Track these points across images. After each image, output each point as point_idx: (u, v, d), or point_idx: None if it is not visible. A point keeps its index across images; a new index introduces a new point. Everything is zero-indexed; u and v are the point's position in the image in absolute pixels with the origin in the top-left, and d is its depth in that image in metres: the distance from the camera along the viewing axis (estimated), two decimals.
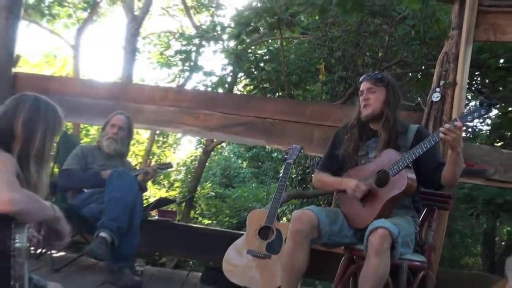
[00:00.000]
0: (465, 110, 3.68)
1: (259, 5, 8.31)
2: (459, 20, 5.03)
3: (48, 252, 5.08)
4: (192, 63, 11.27)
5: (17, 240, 2.20)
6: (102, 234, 4.47)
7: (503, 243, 8.16)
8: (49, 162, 2.53)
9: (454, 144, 3.48)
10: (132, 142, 5.72)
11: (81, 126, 12.72)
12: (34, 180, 2.38)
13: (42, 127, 2.44)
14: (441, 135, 3.47)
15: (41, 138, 2.43)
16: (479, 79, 6.87)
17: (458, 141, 3.46)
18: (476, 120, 5.00)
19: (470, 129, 6.98)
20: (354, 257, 4.02)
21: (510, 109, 6.18)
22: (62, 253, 5.44)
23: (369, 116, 3.93)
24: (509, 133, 6.77)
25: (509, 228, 8.16)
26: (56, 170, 5.48)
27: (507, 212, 6.38)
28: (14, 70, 5.90)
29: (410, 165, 3.68)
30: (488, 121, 6.87)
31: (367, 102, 3.93)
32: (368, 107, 3.92)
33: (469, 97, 6.99)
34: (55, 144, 2.57)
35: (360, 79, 4.07)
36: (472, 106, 4.02)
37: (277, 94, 8.60)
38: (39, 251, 5.04)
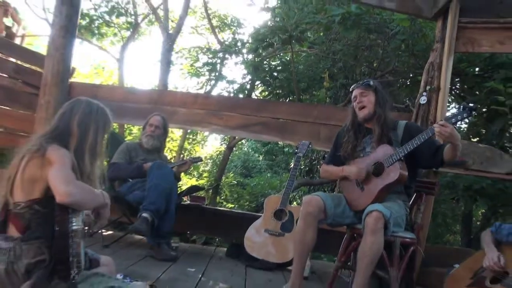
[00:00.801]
0: (450, 113, 3.67)
1: (273, 24, 8.32)
2: (442, 35, 5.04)
3: (99, 231, 5.12)
4: (217, 73, 11.30)
5: (73, 224, 2.23)
6: (144, 214, 4.52)
7: (478, 223, 8.11)
8: (102, 156, 2.55)
9: (450, 139, 3.45)
10: (167, 139, 5.74)
11: (125, 126, 12.81)
12: (88, 171, 2.41)
13: (94, 126, 2.47)
14: (435, 131, 3.43)
15: (94, 135, 2.46)
16: (458, 84, 6.83)
17: (452, 135, 3.42)
18: (459, 122, 4.97)
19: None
20: (355, 235, 4.02)
21: (484, 110, 6.14)
22: (110, 232, 5.47)
23: (366, 116, 3.94)
24: (483, 130, 6.72)
25: (483, 210, 8.11)
26: (105, 163, 5.51)
27: (483, 196, 6.35)
28: (70, 80, 5.93)
29: (402, 158, 3.69)
30: (466, 120, 6.84)
31: (361, 104, 3.95)
32: (364, 109, 3.94)
33: (450, 100, 6.94)
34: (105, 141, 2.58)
35: (351, 88, 4.10)
36: (456, 110, 4.02)
37: (288, 98, 8.60)
38: (92, 230, 5.07)
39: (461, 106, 3.58)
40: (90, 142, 2.45)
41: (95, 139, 2.48)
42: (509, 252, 3.36)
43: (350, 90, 4.08)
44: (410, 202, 4.13)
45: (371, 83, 3.98)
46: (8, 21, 10.33)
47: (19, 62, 6.51)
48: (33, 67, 6.15)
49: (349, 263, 4.30)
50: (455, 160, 3.79)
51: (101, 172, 2.57)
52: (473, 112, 3.55)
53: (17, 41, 11.12)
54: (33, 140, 2.43)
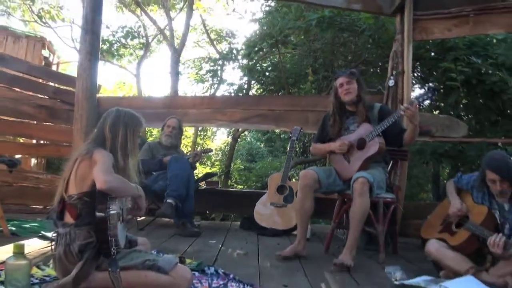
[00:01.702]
0: (418, 94, 3.76)
1: (261, 32, 8.32)
2: (401, 27, 5.06)
3: (134, 218, 5.15)
4: (218, 78, 11.30)
5: (111, 209, 2.27)
6: (168, 200, 4.56)
7: (445, 181, 8.12)
8: (134, 152, 2.57)
9: (412, 119, 3.59)
10: (182, 137, 5.76)
11: (146, 129, 12.82)
12: (121, 166, 2.45)
13: (122, 128, 2.50)
14: (401, 112, 3.59)
15: (123, 135, 2.49)
16: (419, 68, 6.83)
17: (415, 116, 3.57)
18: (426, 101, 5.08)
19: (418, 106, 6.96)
20: (345, 199, 4.05)
21: (442, 87, 6.15)
22: (143, 218, 5.49)
23: (353, 100, 3.94)
24: (442, 104, 6.74)
25: (448, 170, 8.14)
26: None
27: (446, 158, 6.37)
28: (97, 95, 5.95)
29: (380, 134, 3.77)
30: (431, 98, 6.87)
31: (348, 90, 3.93)
32: (350, 94, 3.93)
33: (414, 82, 6.94)
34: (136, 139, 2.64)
35: (336, 75, 4.07)
36: (423, 91, 4.10)
37: (280, 92, 8.59)
38: (128, 217, 5.10)
39: (427, 88, 3.66)
40: (120, 142, 2.48)
41: (125, 138, 2.50)
42: (468, 198, 3.39)
43: (335, 77, 4.06)
44: (388, 168, 4.17)
45: (354, 73, 3.98)
46: (45, 52, 10.42)
47: (56, 85, 6.57)
48: (68, 88, 6.18)
49: (342, 224, 4.34)
50: (414, 141, 3.93)
51: (135, 167, 2.61)
52: (436, 92, 3.62)
53: (54, 68, 11.19)
54: (83, 146, 2.51)
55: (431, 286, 2.73)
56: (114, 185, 2.29)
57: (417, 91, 7.18)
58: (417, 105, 3.57)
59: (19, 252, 2.17)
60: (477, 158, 5.81)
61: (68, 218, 2.41)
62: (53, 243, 2.46)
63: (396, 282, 2.91)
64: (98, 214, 2.28)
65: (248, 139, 16.77)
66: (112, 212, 2.28)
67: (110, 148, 2.45)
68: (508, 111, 5.94)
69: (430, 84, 6.12)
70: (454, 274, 3.10)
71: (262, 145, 15.51)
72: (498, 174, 3.06)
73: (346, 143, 3.87)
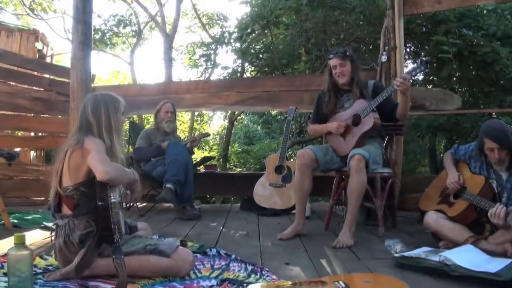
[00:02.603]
0: (410, 68, 3.76)
1: (252, 13, 8.26)
2: (391, 2, 5.05)
3: (135, 204, 5.16)
4: (212, 62, 11.24)
5: (112, 197, 2.28)
6: (168, 185, 4.56)
7: (441, 155, 8.14)
8: (119, 131, 2.58)
9: (405, 91, 3.59)
10: (178, 122, 5.75)
11: (143, 116, 12.82)
12: (108, 145, 2.45)
13: (103, 109, 2.51)
14: (395, 86, 3.57)
15: (106, 116, 2.50)
16: (411, 42, 6.81)
17: (407, 89, 3.57)
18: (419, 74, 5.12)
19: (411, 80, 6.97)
20: (343, 176, 4.06)
21: (434, 60, 6.14)
22: (143, 204, 5.50)
23: (346, 82, 3.93)
24: (435, 78, 6.74)
25: (444, 143, 8.16)
26: (130, 149, 5.53)
27: (441, 131, 6.39)
28: (92, 85, 5.92)
29: (374, 109, 3.78)
30: (423, 72, 6.85)
31: (341, 73, 3.90)
32: (343, 77, 3.91)
33: (406, 57, 6.92)
34: (124, 119, 2.66)
35: (330, 55, 4.01)
36: (414, 64, 4.11)
37: (274, 74, 8.56)
38: (128, 205, 5.12)
39: (419, 61, 3.66)
40: (105, 123, 2.49)
41: (108, 118, 2.51)
42: (465, 169, 3.41)
43: (329, 57, 4.01)
44: (384, 143, 4.17)
45: (347, 54, 3.92)
46: (39, 45, 10.37)
47: (51, 77, 6.55)
48: (62, 79, 6.15)
49: (341, 200, 4.36)
50: (406, 115, 3.93)
51: (121, 143, 2.63)
52: (428, 64, 3.62)
53: (48, 60, 11.14)
54: (71, 137, 2.51)
55: (431, 256, 2.73)
56: (114, 175, 2.30)
57: (410, 66, 7.16)
58: (410, 79, 3.58)
59: (20, 243, 2.17)
60: (472, 129, 5.83)
61: (66, 210, 2.43)
62: (53, 233, 2.47)
63: (396, 255, 2.92)
64: (99, 203, 2.29)
65: (245, 122, 16.78)
66: (113, 200, 2.30)
67: (97, 133, 2.46)
68: (501, 81, 5.94)
69: (422, 58, 6.09)
70: (454, 244, 3.12)
71: (259, 128, 15.53)
72: (497, 142, 3.07)
73: (343, 124, 3.87)
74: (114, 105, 2.57)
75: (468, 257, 2.66)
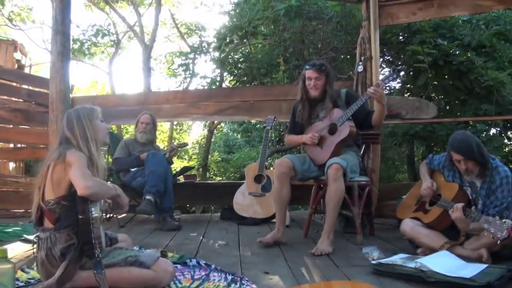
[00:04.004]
0: (383, 76, 3.84)
1: (230, 24, 8.30)
2: (367, 14, 5.11)
3: (114, 216, 5.14)
4: (191, 72, 11.24)
5: (93, 212, 2.30)
6: (147, 197, 4.56)
7: (420, 161, 8.24)
8: (96, 141, 2.58)
9: (380, 99, 3.69)
10: (157, 132, 5.74)
11: (122, 126, 12.76)
12: (87, 156, 2.47)
13: (75, 121, 2.53)
14: (370, 94, 3.67)
15: (81, 128, 2.52)
16: (387, 52, 6.91)
17: (382, 97, 3.68)
18: (391, 82, 5.20)
19: (387, 88, 7.04)
20: (321, 185, 4.10)
21: (411, 70, 6.24)
22: (123, 215, 5.49)
23: (317, 96, 3.97)
24: (412, 86, 6.84)
25: (422, 151, 8.25)
26: (109, 159, 5.52)
27: (418, 139, 6.49)
28: (71, 95, 5.90)
29: (350, 117, 3.84)
30: (398, 80, 6.96)
31: (315, 86, 3.95)
32: (316, 90, 3.95)
33: (383, 66, 7.03)
34: (105, 125, 2.69)
35: (306, 66, 4.05)
36: (387, 72, 4.22)
37: (252, 83, 8.59)
38: (108, 216, 5.11)
39: (391, 69, 3.75)
40: (80, 135, 2.51)
41: (83, 129, 2.52)
42: (440, 178, 3.50)
43: (305, 68, 4.04)
44: (361, 152, 4.24)
45: (324, 68, 3.96)
46: (17, 55, 10.30)
47: (30, 87, 6.52)
48: (41, 90, 6.12)
49: (320, 209, 4.40)
50: (382, 122, 4.02)
51: (100, 152, 2.65)
52: (400, 73, 3.71)
53: (26, 70, 11.07)
54: (53, 151, 2.52)
55: (407, 263, 2.80)
56: (95, 190, 2.31)
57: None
58: (383, 86, 3.67)
59: (3, 257, 2.18)
60: (448, 137, 5.87)
61: (48, 223, 2.43)
62: (35, 246, 2.48)
63: (374, 262, 2.97)
64: (80, 217, 2.29)
65: (225, 131, 16.76)
66: (95, 215, 2.31)
67: (76, 145, 2.48)
68: (476, 89, 6.05)
69: (394, 66, 6.20)
70: (430, 250, 3.20)
71: (238, 136, 15.52)
72: (461, 154, 3.17)
73: (316, 135, 3.91)
74: (88, 115, 2.58)
75: (443, 263, 2.72)
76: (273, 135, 8.91)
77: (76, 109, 2.63)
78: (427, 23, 5.93)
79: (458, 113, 6.54)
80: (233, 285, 2.60)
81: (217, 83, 10.31)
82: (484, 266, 2.70)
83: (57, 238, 2.36)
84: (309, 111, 4.07)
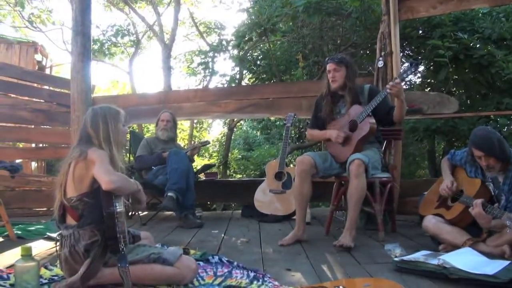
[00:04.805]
0: (401, 71, 3.80)
1: (249, 21, 8.31)
2: (387, 8, 5.05)
3: (136, 213, 5.19)
4: (210, 70, 11.27)
5: (117, 206, 2.32)
6: (169, 194, 4.59)
7: (440, 157, 8.17)
8: (118, 140, 2.61)
9: (398, 94, 3.64)
10: (178, 130, 5.77)
11: (143, 125, 12.85)
12: (109, 156, 2.48)
13: (101, 121, 2.55)
14: (387, 90, 3.63)
15: (104, 128, 2.54)
16: (407, 47, 6.85)
17: (400, 92, 3.62)
18: (410, 76, 5.15)
19: (408, 83, 6.99)
20: (342, 182, 4.10)
21: (431, 64, 6.18)
22: (145, 212, 5.53)
23: (337, 88, 4.00)
24: (433, 81, 6.78)
25: (443, 146, 8.17)
26: (131, 158, 5.57)
27: (439, 134, 6.41)
28: (92, 95, 5.96)
29: (370, 114, 3.81)
30: (419, 75, 6.91)
31: (334, 78, 3.98)
32: (336, 82, 3.98)
33: (403, 61, 6.96)
34: (126, 129, 2.73)
35: (326, 60, 4.10)
36: (404, 67, 4.20)
37: (272, 80, 8.60)
38: (130, 213, 5.16)
39: (408, 63, 3.72)
40: (103, 135, 2.53)
41: (107, 130, 2.55)
42: (462, 173, 3.47)
43: (326, 62, 4.10)
44: (382, 148, 4.21)
45: (343, 59, 3.99)
46: (38, 56, 10.43)
47: (51, 88, 6.63)
48: (63, 90, 6.21)
49: (341, 206, 4.39)
50: (403, 117, 3.97)
51: (121, 154, 2.69)
52: (418, 66, 3.67)
53: (47, 71, 11.20)
54: (73, 150, 2.53)
55: (430, 260, 2.77)
56: (119, 184, 2.34)
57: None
58: (400, 82, 3.62)
59: (27, 254, 2.21)
60: (470, 132, 5.81)
61: (70, 220, 2.46)
62: (58, 244, 2.50)
63: (396, 259, 2.95)
64: (106, 212, 2.32)
65: (244, 128, 16.77)
66: (119, 209, 2.33)
67: (97, 144, 2.51)
68: (497, 83, 5.97)
69: (412, 59, 6.15)
70: (453, 247, 3.17)
71: (258, 133, 15.52)
72: (482, 150, 3.14)
73: (342, 135, 3.90)
74: (113, 117, 2.61)
75: (466, 260, 2.70)
76: (293, 132, 8.91)
77: (102, 108, 2.65)
78: (447, 16, 5.86)
79: (480, 108, 6.46)
80: (255, 282, 2.60)
81: (237, 81, 10.32)
82: (507, 262, 2.67)
83: (80, 234, 2.39)
84: (331, 106, 4.08)
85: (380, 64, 5.03)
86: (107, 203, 2.32)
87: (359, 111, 3.87)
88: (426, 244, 3.50)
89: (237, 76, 10.45)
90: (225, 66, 37.14)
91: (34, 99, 6.21)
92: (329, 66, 4.01)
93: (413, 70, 3.77)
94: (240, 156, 14.24)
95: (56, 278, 2.68)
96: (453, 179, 3.43)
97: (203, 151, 14.88)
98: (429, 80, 6.99)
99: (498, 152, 3.09)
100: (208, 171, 6.61)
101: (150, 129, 14.08)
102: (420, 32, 6.49)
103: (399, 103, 3.73)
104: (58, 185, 2.50)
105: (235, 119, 11.59)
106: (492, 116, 6.02)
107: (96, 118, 2.58)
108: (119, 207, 2.33)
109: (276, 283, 2.59)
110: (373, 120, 3.84)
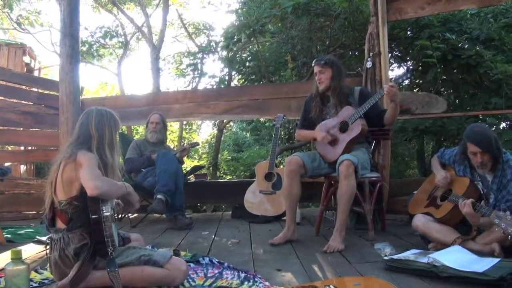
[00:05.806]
0: (398, 75, 3.86)
1: (238, 22, 8.30)
2: (375, 9, 5.07)
3: (126, 216, 5.18)
4: (199, 71, 11.27)
5: (104, 211, 2.31)
6: (159, 196, 4.58)
7: (429, 156, 8.22)
8: (117, 149, 2.64)
9: (394, 98, 3.68)
10: (167, 132, 5.75)
11: (132, 127, 12.81)
12: (110, 163, 2.49)
13: (107, 125, 2.54)
14: (385, 91, 3.66)
15: (109, 132, 2.54)
16: (395, 47, 6.88)
17: (396, 95, 3.65)
18: (405, 81, 5.19)
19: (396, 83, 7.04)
20: (332, 182, 4.11)
21: (420, 64, 6.22)
22: (135, 214, 5.52)
23: (325, 89, 4.03)
24: (421, 81, 6.81)
25: (432, 146, 8.21)
26: (121, 160, 5.55)
27: (428, 134, 6.45)
28: (81, 97, 5.94)
29: (362, 116, 3.83)
30: (409, 78, 6.94)
31: (320, 80, 4.03)
32: (322, 84, 4.02)
33: (392, 62, 6.99)
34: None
35: (313, 63, 4.16)
36: (402, 72, 4.24)
37: (261, 82, 8.60)
38: (120, 215, 5.15)
39: (405, 69, 3.76)
40: (107, 139, 2.53)
41: (111, 135, 2.56)
42: (451, 172, 3.49)
43: (312, 65, 4.14)
44: (371, 148, 4.23)
45: (328, 60, 4.02)
46: (26, 58, 10.39)
47: (40, 90, 6.57)
48: (51, 92, 6.18)
49: (331, 206, 4.41)
50: (395, 121, 4.04)
51: (119, 163, 2.66)
52: (414, 72, 3.71)
53: (36, 73, 11.16)
54: (65, 149, 2.53)
55: (419, 258, 2.79)
56: (104, 189, 2.32)
57: (395, 71, 7.26)
58: (396, 85, 3.66)
59: (17, 258, 2.20)
60: (458, 131, 5.89)
61: (60, 224, 2.45)
62: (48, 247, 2.48)
63: (386, 258, 2.97)
64: (92, 216, 2.30)
65: (234, 130, 16.78)
66: (106, 213, 2.31)
67: (96, 147, 2.49)
68: (485, 83, 6.01)
69: (409, 65, 6.19)
70: (442, 245, 3.19)
71: (248, 135, 15.53)
72: (479, 146, 3.14)
73: (329, 138, 3.91)
74: (117, 125, 2.63)
75: (456, 258, 2.72)
76: (283, 133, 8.92)
77: (108, 111, 2.65)
78: (435, 17, 5.91)
79: (468, 107, 6.51)
80: (246, 282, 2.60)
81: (226, 82, 10.33)
82: (496, 260, 2.69)
83: (70, 238, 2.38)
84: (320, 107, 4.10)
85: (369, 64, 5.05)
86: (94, 208, 2.31)
87: (351, 112, 3.88)
88: (416, 243, 3.52)
89: (226, 78, 10.46)
90: (214, 67, 37.25)
91: (22, 101, 6.19)
92: (315, 69, 4.07)
93: (408, 76, 3.83)
94: (230, 158, 14.26)
95: (46, 281, 2.66)
96: (447, 171, 3.47)
97: (193, 152, 14.86)
98: (417, 81, 7.02)
99: (494, 148, 3.12)
100: (198, 172, 6.61)
101: (139, 131, 14.04)
102: (409, 33, 6.53)
103: (393, 106, 3.77)
104: (48, 183, 2.49)
105: (224, 121, 11.61)
106: (480, 115, 6.07)
107: (102, 121, 2.57)
108: (106, 211, 2.32)
109: (267, 283, 2.59)
110: (365, 122, 3.87)
